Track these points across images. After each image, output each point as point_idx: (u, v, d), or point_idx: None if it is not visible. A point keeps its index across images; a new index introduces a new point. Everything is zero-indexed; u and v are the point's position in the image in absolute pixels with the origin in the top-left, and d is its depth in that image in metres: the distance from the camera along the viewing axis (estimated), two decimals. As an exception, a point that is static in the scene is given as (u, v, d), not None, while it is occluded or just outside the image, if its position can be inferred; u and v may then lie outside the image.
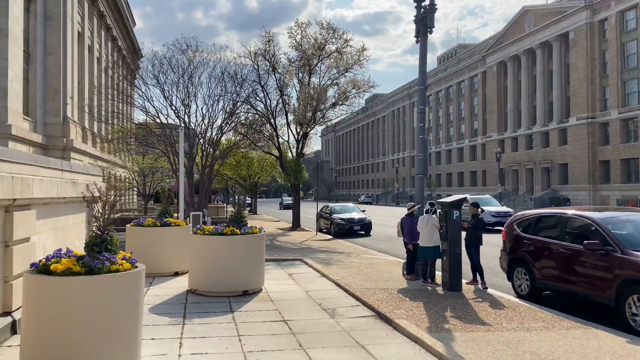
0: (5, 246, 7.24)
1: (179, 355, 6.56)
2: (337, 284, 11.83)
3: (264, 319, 8.61)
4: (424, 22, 13.56)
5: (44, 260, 5.31)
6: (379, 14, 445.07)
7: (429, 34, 13.68)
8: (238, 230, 10.74)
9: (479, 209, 12.51)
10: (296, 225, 31.22)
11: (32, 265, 5.32)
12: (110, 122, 36.72)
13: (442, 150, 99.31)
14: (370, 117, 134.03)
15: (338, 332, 7.85)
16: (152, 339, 7.24)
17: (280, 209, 69.37)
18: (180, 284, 11.59)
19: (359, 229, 28.19)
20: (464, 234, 11.76)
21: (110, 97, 37.58)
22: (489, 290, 11.36)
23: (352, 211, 30.17)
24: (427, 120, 14.36)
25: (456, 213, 11.44)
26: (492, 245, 17.79)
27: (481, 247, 11.95)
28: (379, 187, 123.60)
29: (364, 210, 31.13)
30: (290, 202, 46.45)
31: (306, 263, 15.42)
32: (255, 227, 11.28)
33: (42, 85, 29.34)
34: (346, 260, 16.53)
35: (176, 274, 12.91)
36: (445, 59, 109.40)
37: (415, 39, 13.98)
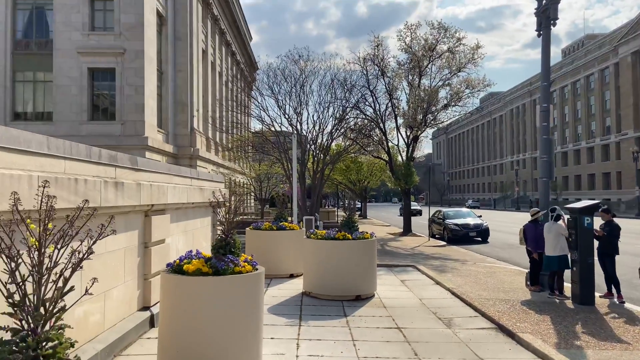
0: (145, 247, 8.06)
1: (297, 357, 6.77)
2: (453, 293, 11.40)
3: (377, 325, 8.56)
4: (547, 14, 12.61)
5: (177, 260, 5.81)
6: (494, 8, 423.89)
7: (552, 27, 12.70)
8: (349, 235, 10.84)
9: (612, 215, 11.28)
10: (407, 230, 30.76)
11: (167, 265, 5.85)
12: (230, 131, 39.31)
13: (569, 150, 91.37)
14: (486, 117, 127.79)
15: (456, 344, 7.54)
16: (272, 338, 7.56)
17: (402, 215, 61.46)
18: (296, 286, 11.98)
19: (475, 235, 26.94)
20: (596, 242, 10.69)
21: (230, 108, 40.27)
22: (627, 305, 10.19)
23: (467, 216, 28.95)
24: (551, 119, 13.29)
25: (587, 220, 10.44)
26: (629, 255, 15.94)
27: (617, 256, 10.77)
28: (496, 190, 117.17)
29: (480, 216, 29.72)
30: (418, 207, 44.98)
31: (419, 270, 15.09)
32: (367, 232, 11.29)
33: (173, 100, 32.32)
34: (462, 268, 15.88)
35: (291, 276, 13.38)
36: (571, 51, 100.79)
37: (537, 32, 13.04)
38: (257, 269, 5.92)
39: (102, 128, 27.11)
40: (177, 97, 32.70)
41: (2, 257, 2.98)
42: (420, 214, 55.44)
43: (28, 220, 3.07)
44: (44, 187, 3.21)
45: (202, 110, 36.84)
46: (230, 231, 6.23)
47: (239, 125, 40.72)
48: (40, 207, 3.13)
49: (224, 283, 5.52)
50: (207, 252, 6.19)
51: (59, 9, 26.86)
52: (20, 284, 3.01)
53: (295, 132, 26.13)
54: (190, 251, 6.00)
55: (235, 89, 47.77)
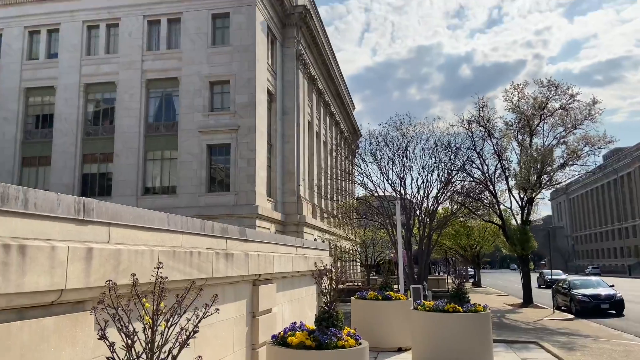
0: (252, 316, 8.26)
1: None
2: (584, 376, 10.03)
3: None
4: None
5: (282, 332, 5.85)
6: (612, 61, 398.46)
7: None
8: (460, 308, 10.19)
9: None
10: (527, 300, 28.21)
11: (272, 336, 5.91)
12: (334, 198, 40.11)
13: None
14: (612, 174, 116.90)
15: None
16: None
17: (541, 286, 47.93)
18: (404, 361, 11.37)
19: (608, 308, 23.92)
20: None
21: (334, 175, 41.36)
22: None
23: (598, 286, 25.97)
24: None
25: None
26: None
27: None
28: (631, 255, 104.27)
29: (612, 285, 26.50)
30: (563, 276, 40.87)
31: (543, 347, 13.60)
32: (479, 305, 10.54)
33: (281, 170, 34.02)
34: (593, 345, 14.04)
35: (399, 350, 12.75)
36: None
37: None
38: (360, 344, 5.74)
39: (217, 199, 29.17)
40: (285, 167, 34.39)
41: (120, 334, 3.22)
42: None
43: (144, 299, 3.31)
44: (157, 269, 3.47)
45: (308, 178, 38.22)
46: (333, 302, 6.18)
47: (344, 192, 41.46)
48: (155, 288, 3.37)
49: (328, 358, 5.41)
50: (312, 321, 6.17)
51: (184, 94, 30.26)
52: None
53: (399, 197, 25.92)
54: (295, 323, 6.02)
55: (339, 156, 49.19)
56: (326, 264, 7.12)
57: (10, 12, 32.45)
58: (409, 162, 27.24)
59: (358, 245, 38.90)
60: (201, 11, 30.71)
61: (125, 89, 30.79)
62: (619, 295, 24.38)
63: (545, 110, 27.48)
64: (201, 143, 29.73)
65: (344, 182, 39.90)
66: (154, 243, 5.49)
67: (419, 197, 27.32)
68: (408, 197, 27.87)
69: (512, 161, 29.68)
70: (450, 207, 30.02)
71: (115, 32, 31.75)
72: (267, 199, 31.42)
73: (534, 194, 28.08)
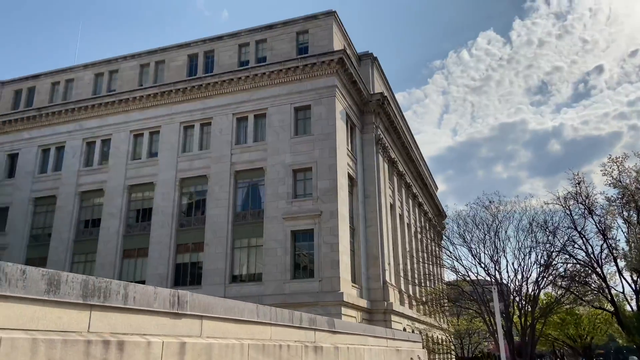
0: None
1: None
2: None
3: None
4: None
5: None
6: None
7: None
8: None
9: None
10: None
11: None
12: (423, 283, 38.34)
13: None
14: None
15: None
16: None
17: None
18: None
19: None
20: None
21: (420, 259, 39.88)
22: None
23: None
24: None
25: None
26: None
27: None
28: None
29: None
30: None
31: None
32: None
33: (364, 255, 33.44)
34: None
35: None
36: None
37: None
38: None
39: (302, 286, 28.96)
40: (368, 251, 33.81)
41: None
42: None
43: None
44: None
45: (393, 262, 37.14)
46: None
47: (432, 277, 39.61)
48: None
49: None
50: None
51: (269, 183, 31.53)
52: None
53: (494, 281, 24.20)
54: None
55: (425, 239, 47.75)
56: (420, 358, 6.54)
57: (119, 119, 36.56)
58: (502, 243, 25.72)
59: (452, 336, 36.21)
60: (284, 105, 32.69)
61: (216, 181, 32.69)
62: None
63: (651, 183, 25.18)
64: (285, 229, 30.26)
65: (431, 266, 38.24)
66: (243, 336, 5.35)
67: (516, 282, 25.32)
68: (504, 281, 25.95)
69: (619, 240, 27.08)
70: (553, 293, 27.41)
71: (208, 130, 34.46)
72: (352, 285, 30.69)
73: (650, 275, 25.02)
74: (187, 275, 31.91)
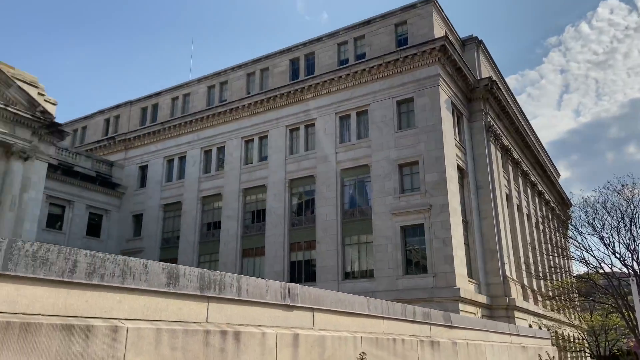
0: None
1: None
2: None
3: None
4: None
5: None
6: None
7: None
8: None
9: None
10: None
11: None
12: (548, 277, 35.56)
13: None
14: None
15: None
16: None
17: None
18: None
19: None
20: None
21: (544, 251, 37.03)
22: None
23: None
24: None
25: None
26: None
27: None
28: None
29: None
30: None
31: None
32: None
33: (481, 248, 31.86)
34: None
35: None
36: None
37: None
38: None
39: (415, 281, 28.38)
40: (484, 244, 32.17)
41: None
42: None
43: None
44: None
45: (513, 256, 34.92)
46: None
47: (558, 270, 36.57)
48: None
49: None
50: None
51: (374, 179, 31.35)
52: None
53: (632, 273, 21.65)
54: None
55: (548, 230, 44.26)
56: (552, 357, 5.98)
57: (231, 127, 38.82)
58: (638, 230, 22.93)
59: (585, 333, 33.12)
60: (386, 100, 32.30)
61: (323, 181, 33.30)
62: None
63: None
64: (394, 225, 29.87)
65: (557, 259, 35.29)
66: (355, 329, 5.29)
67: (659, 272, 22.42)
68: (644, 272, 23.12)
69: None
70: None
71: (312, 131, 35.23)
72: (469, 281, 29.40)
73: None
74: (301, 273, 32.91)
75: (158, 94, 44.62)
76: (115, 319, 3.47)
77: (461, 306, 26.18)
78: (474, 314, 27.41)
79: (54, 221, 37.04)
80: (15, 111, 26.71)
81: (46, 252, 3.07)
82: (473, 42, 37.82)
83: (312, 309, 4.97)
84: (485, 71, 38.46)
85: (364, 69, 33.11)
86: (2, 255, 2.85)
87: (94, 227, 39.78)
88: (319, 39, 36.84)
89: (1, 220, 25.92)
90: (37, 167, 29.00)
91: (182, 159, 41.19)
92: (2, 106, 26.14)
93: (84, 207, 38.88)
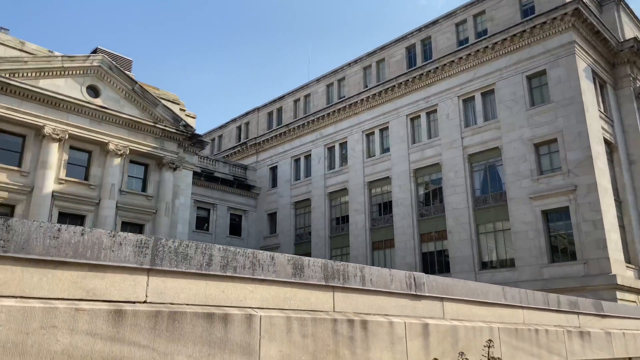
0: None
1: None
2: None
3: None
4: None
5: None
6: None
7: None
8: None
9: None
10: None
11: None
12: None
13: None
14: None
15: None
16: None
17: None
18: None
19: None
20: None
21: None
22: None
23: None
24: None
25: None
26: None
27: None
28: None
29: None
30: None
31: None
32: None
33: (638, 230, 28.22)
34: None
35: None
36: None
37: None
38: None
39: (563, 270, 26.08)
40: (644, 226, 28.42)
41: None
42: None
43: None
44: (488, 347, 3.03)
45: (682, 237, 30.31)
46: None
47: None
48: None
49: None
50: None
51: (507, 162, 29.40)
52: None
53: None
54: None
55: None
56: None
57: (351, 122, 39.31)
58: None
59: None
60: (514, 76, 30.10)
61: (450, 168, 32.13)
62: None
63: None
64: (534, 210, 27.74)
65: None
66: (491, 319, 5.02)
67: None
68: None
69: None
70: None
71: (434, 118, 34.18)
72: (626, 266, 26.21)
73: None
74: (434, 264, 32.16)
75: (281, 97, 46.82)
76: (249, 307, 3.74)
77: (619, 294, 23.46)
78: (635, 302, 24.39)
79: (202, 223, 40.92)
80: (163, 127, 30.07)
81: (186, 248, 3.42)
82: (612, 1, 33.54)
83: (441, 299, 4.84)
84: (630, 31, 33.88)
85: (487, 47, 31.22)
86: (149, 252, 3.24)
87: (235, 227, 43.14)
88: (434, 22, 35.58)
89: (159, 224, 29.35)
90: (184, 176, 32.31)
91: (308, 157, 42.73)
92: (152, 124, 29.59)
93: (226, 209, 42.33)
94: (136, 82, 29.29)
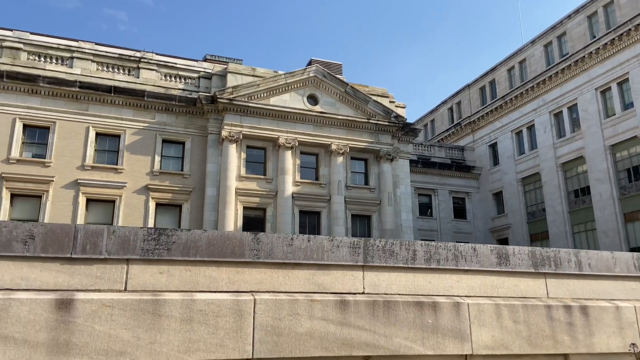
0: None
1: None
2: None
3: None
4: None
5: None
6: None
7: None
8: None
9: None
10: None
11: None
12: None
13: None
14: None
15: None
16: None
17: None
18: None
19: None
20: None
21: None
22: None
23: None
24: None
25: None
26: None
27: None
28: None
29: None
30: None
31: None
32: None
33: None
34: None
35: None
36: None
37: None
38: None
39: None
40: None
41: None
42: None
43: None
44: None
45: None
46: None
47: None
48: None
49: None
50: None
51: None
52: None
53: None
54: None
55: None
56: None
57: (579, 81, 34.71)
58: None
59: None
60: None
61: None
62: None
63: None
64: None
65: None
66: None
67: None
68: None
69: None
70: None
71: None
72: None
73: None
74: None
75: (492, 69, 44.21)
76: (456, 295, 3.99)
77: None
78: None
79: (424, 209, 41.61)
80: (376, 122, 31.70)
81: (391, 245, 3.88)
82: None
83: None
84: None
85: None
86: (362, 252, 3.80)
87: (459, 210, 42.57)
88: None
89: (384, 214, 31.06)
90: (401, 165, 33.44)
91: (530, 128, 39.41)
92: (366, 120, 31.46)
93: (447, 193, 42.12)
94: (347, 84, 31.53)
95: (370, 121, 31.53)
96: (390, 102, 33.93)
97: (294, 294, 3.60)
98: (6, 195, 24.68)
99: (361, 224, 31.12)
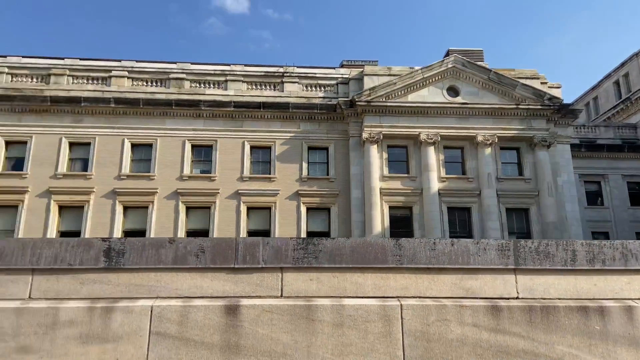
0: None
1: None
2: None
3: None
4: None
5: None
6: None
7: None
8: None
9: None
10: None
11: None
12: None
13: None
14: None
15: None
16: None
17: None
18: None
19: None
20: None
21: None
22: None
23: None
24: None
25: None
26: None
27: None
28: None
29: None
30: None
31: None
32: None
33: None
34: None
35: None
36: None
37: None
38: None
39: None
40: None
41: None
42: None
43: None
44: None
45: None
46: None
47: None
48: None
49: None
50: None
51: None
52: None
53: None
54: None
55: None
56: None
57: None
58: None
59: None
60: None
61: None
62: None
63: None
64: None
65: None
66: None
67: None
68: None
69: None
70: None
71: None
72: None
73: None
74: None
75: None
76: (628, 299, 3.53)
77: None
78: None
79: (593, 198, 37.25)
80: (526, 107, 29.35)
81: (546, 247, 3.57)
82: None
83: None
84: None
85: None
86: (512, 254, 3.57)
87: (636, 197, 37.26)
88: None
89: (544, 206, 28.58)
90: (560, 151, 30.43)
91: None
92: (514, 106, 29.32)
93: (620, 178, 37.17)
94: (490, 70, 29.72)
95: (520, 107, 29.30)
96: (542, 83, 31.14)
97: (441, 299, 3.54)
98: (182, 208, 28.21)
99: (518, 218, 29.05)
